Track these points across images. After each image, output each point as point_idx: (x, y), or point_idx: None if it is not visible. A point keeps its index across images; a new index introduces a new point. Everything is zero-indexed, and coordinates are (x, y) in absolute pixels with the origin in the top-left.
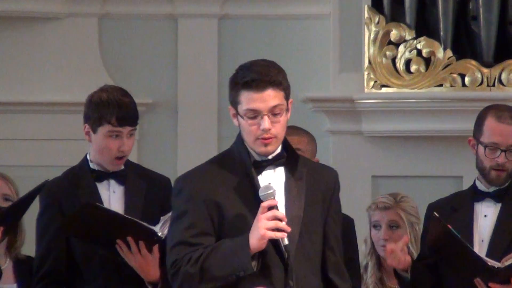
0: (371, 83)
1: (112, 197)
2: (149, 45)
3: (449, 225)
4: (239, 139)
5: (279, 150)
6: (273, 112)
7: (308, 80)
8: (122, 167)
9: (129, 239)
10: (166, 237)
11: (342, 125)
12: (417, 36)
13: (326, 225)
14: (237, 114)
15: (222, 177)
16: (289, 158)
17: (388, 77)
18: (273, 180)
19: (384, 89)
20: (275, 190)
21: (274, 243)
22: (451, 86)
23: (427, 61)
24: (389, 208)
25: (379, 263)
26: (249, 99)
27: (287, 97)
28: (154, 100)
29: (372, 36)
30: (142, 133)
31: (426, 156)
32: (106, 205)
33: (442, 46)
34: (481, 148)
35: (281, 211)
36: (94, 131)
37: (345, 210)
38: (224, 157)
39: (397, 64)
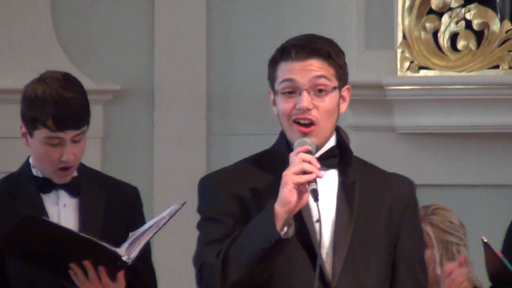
0: (406, 64)
1: (63, 212)
2: (117, 15)
3: (499, 253)
4: (282, 134)
5: (330, 145)
6: (316, 87)
7: None
8: (76, 173)
9: (86, 263)
10: (133, 261)
11: (369, 118)
12: (466, 3)
13: (396, 250)
14: (274, 96)
15: (256, 177)
16: (342, 158)
17: (428, 56)
18: (324, 186)
19: (422, 72)
20: (313, 143)
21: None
22: (510, 68)
23: (479, 36)
24: None
25: None
26: (285, 70)
27: (339, 78)
28: (124, 86)
29: (407, 2)
30: (108, 128)
31: (478, 159)
32: (55, 222)
33: (499, 16)
34: None
35: (328, 225)
36: (31, 135)
37: None
38: (262, 155)
39: (440, 40)
